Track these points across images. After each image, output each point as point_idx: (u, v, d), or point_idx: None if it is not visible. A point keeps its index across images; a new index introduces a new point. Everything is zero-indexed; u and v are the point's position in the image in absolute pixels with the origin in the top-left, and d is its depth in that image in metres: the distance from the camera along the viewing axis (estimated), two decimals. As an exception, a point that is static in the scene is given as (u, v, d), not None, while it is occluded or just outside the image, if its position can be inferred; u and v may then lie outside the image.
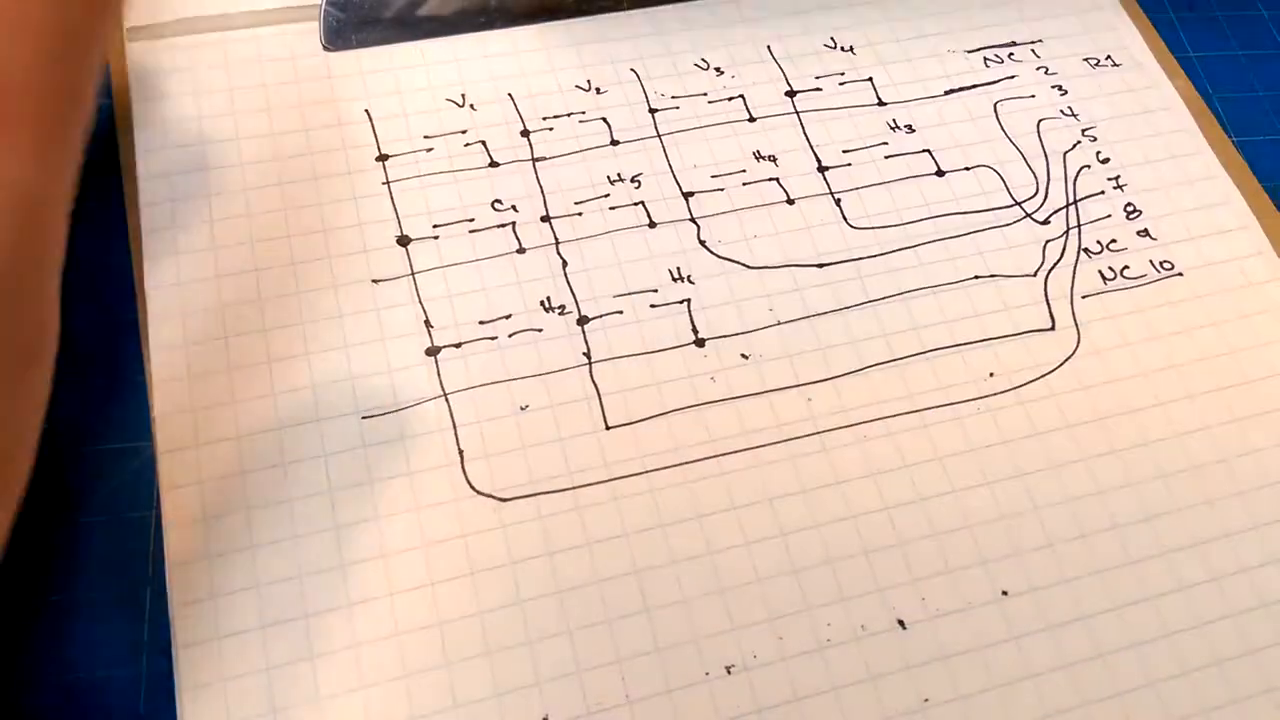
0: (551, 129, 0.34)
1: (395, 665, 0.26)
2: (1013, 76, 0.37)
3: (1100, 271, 0.33)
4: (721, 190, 0.33)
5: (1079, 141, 0.36)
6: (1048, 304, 0.33)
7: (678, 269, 0.32)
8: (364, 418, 0.29)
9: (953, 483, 0.29)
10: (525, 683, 0.26)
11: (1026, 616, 0.28)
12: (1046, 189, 0.35)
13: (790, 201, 0.33)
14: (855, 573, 0.28)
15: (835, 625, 0.27)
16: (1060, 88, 0.37)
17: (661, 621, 0.27)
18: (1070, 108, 0.36)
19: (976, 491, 0.29)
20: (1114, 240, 0.34)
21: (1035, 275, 0.33)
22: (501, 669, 0.26)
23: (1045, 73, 0.37)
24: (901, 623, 0.27)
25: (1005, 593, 0.28)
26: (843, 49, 0.37)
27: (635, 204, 0.33)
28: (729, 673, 0.27)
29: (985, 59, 0.37)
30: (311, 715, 0.25)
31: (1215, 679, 0.28)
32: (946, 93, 0.36)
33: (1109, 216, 0.34)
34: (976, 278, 0.33)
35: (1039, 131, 0.36)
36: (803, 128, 0.35)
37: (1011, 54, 0.37)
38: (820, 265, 0.32)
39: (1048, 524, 0.29)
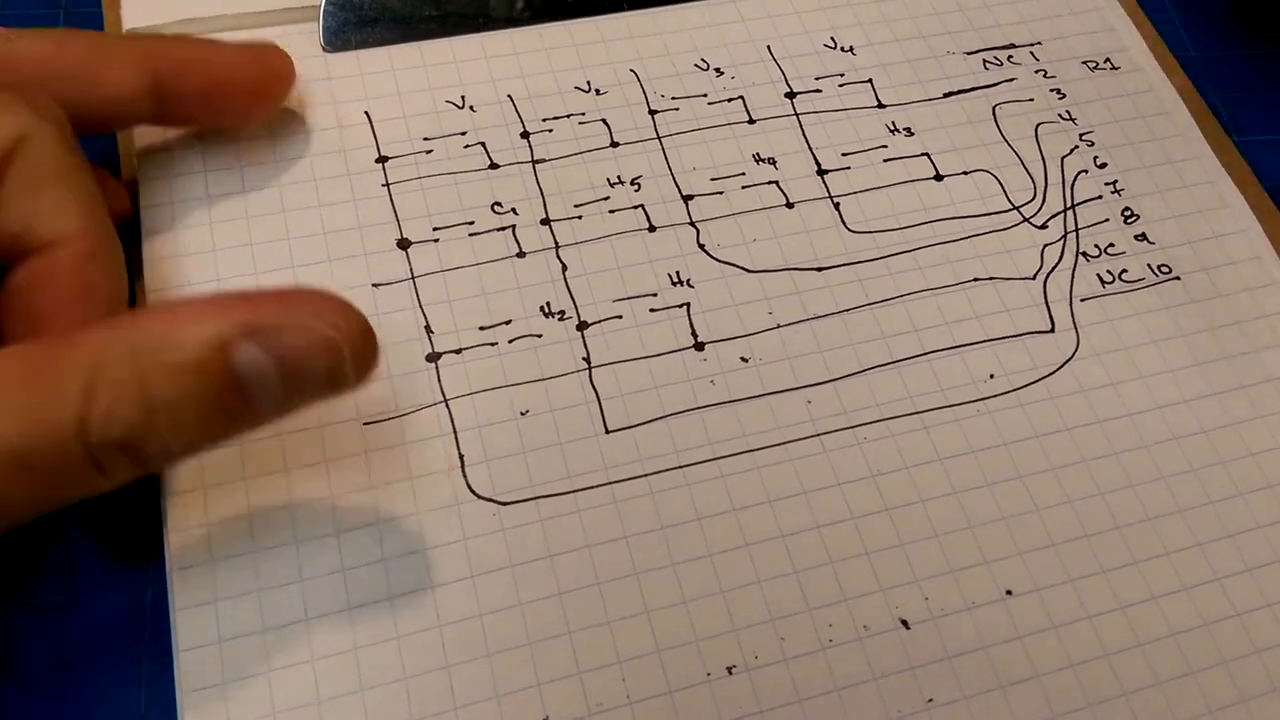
0: (551, 130, 0.34)
1: (395, 667, 0.26)
2: (1011, 79, 0.37)
3: (1098, 275, 0.33)
4: (721, 193, 0.33)
5: (1076, 146, 0.36)
6: (1047, 307, 0.33)
7: (677, 273, 0.32)
8: (365, 424, 0.28)
9: (954, 483, 0.29)
10: (525, 684, 0.26)
11: (1031, 616, 0.28)
12: (1044, 193, 0.35)
13: (790, 205, 0.33)
14: (857, 573, 0.28)
15: (837, 625, 0.27)
16: (1059, 91, 0.37)
17: (662, 622, 0.27)
18: (1068, 111, 0.36)
19: (977, 492, 0.29)
20: (1111, 244, 0.34)
21: (1034, 279, 0.33)
22: (501, 670, 0.26)
23: (1044, 76, 0.37)
24: (905, 622, 0.27)
25: (1009, 592, 0.28)
26: (843, 49, 0.37)
27: (635, 207, 0.33)
28: (730, 673, 0.26)
29: (984, 61, 0.37)
30: (311, 717, 0.25)
31: (1221, 678, 0.27)
32: (945, 95, 0.36)
33: (1106, 221, 0.34)
34: (976, 280, 0.33)
35: (1037, 135, 0.36)
36: (802, 130, 0.35)
37: (1010, 56, 0.37)
38: (819, 269, 0.32)
39: (1050, 524, 0.29)
